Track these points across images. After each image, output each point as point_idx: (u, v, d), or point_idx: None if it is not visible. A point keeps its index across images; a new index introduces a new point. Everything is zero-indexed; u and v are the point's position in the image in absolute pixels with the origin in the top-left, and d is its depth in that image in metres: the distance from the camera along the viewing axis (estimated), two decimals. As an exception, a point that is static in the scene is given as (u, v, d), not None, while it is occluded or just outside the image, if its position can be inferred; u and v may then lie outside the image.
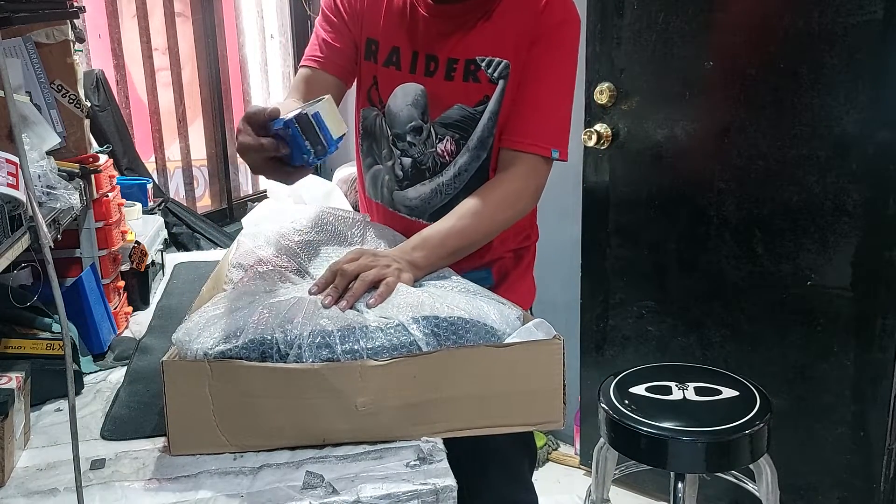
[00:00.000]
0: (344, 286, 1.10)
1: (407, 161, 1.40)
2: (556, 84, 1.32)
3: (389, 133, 1.40)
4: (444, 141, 1.36)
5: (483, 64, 1.31)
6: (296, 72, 3.40)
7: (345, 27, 1.39)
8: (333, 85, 1.39)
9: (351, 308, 1.07)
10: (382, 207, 1.47)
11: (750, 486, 1.77)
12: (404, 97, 1.36)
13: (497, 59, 1.30)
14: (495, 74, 1.31)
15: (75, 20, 1.36)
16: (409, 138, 1.38)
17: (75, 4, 1.32)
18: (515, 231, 1.44)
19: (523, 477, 1.56)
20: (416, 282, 1.17)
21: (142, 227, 1.68)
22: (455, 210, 1.29)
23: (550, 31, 1.29)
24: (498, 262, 1.45)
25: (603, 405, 1.64)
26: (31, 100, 1.32)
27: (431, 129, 1.36)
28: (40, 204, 1.09)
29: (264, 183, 3.17)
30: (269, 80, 3.27)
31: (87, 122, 1.43)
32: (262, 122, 1.08)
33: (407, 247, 1.21)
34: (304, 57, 1.42)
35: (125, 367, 1.27)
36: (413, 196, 1.42)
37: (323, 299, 1.07)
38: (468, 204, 1.29)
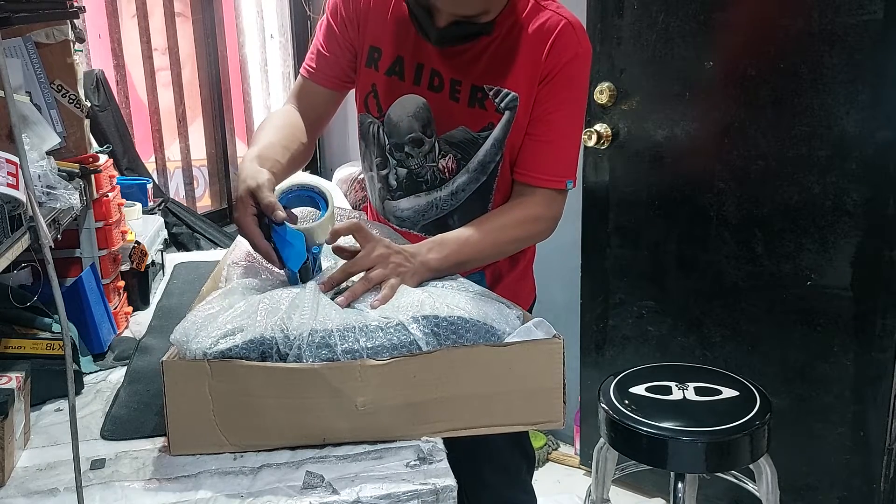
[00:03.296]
0: (342, 280, 1.11)
1: (402, 172, 1.38)
2: (569, 119, 1.32)
3: (387, 142, 1.38)
4: (447, 158, 1.35)
5: (490, 93, 1.29)
6: (295, 72, 3.37)
7: (344, 34, 1.37)
8: (325, 96, 1.40)
9: (351, 307, 1.07)
10: (375, 213, 1.48)
11: (750, 486, 1.77)
12: (406, 108, 1.34)
13: (505, 90, 1.28)
14: (502, 105, 1.29)
15: (75, 20, 1.36)
16: (406, 149, 1.36)
17: (75, 4, 1.32)
18: None
19: (521, 478, 1.56)
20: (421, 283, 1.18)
21: (142, 227, 1.68)
22: (475, 222, 1.29)
23: (562, 67, 1.27)
24: (492, 265, 1.44)
25: (603, 405, 1.64)
26: (31, 100, 1.32)
27: (436, 144, 1.34)
28: (40, 204, 1.09)
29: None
30: (269, 80, 3.26)
31: (87, 122, 1.43)
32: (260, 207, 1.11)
33: (423, 247, 1.21)
34: (305, 59, 1.43)
35: (125, 367, 1.27)
36: (405, 207, 1.41)
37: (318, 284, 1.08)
38: (489, 218, 1.30)
